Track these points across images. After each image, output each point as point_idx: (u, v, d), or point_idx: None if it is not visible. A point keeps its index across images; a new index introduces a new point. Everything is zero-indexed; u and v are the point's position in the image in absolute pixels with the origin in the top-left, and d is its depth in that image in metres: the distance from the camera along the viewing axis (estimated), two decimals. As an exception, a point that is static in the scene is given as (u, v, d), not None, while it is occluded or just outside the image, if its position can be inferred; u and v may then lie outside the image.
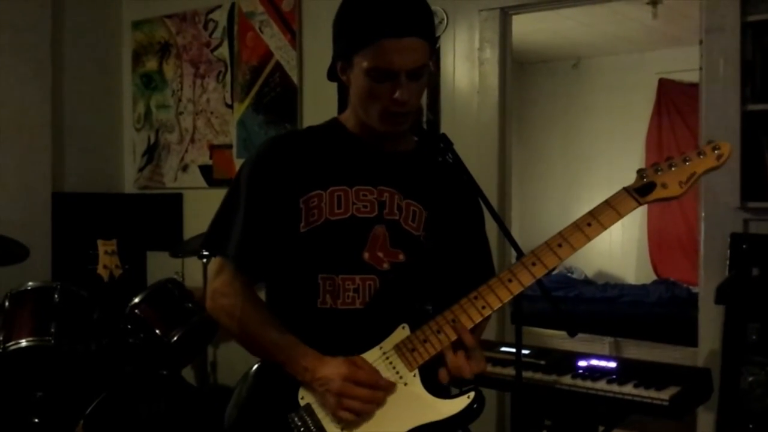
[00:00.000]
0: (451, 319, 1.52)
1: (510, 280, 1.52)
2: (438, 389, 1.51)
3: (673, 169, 1.53)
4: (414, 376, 1.51)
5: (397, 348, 1.53)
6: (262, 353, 1.62)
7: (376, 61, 1.52)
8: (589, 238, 1.51)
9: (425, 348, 1.51)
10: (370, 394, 1.49)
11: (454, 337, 1.50)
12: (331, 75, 1.69)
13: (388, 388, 1.50)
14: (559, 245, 1.52)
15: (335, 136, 1.70)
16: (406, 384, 1.51)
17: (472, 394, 1.51)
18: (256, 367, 1.65)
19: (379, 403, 1.49)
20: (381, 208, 1.63)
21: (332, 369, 1.50)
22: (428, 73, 1.60)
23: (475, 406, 1.51)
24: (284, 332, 1.59)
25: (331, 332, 1.57)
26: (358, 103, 1.62)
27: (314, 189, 1.62)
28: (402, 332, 1.54)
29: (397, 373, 1.51)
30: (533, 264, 1.52)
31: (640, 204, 1.52)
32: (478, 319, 1.52)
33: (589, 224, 1.52)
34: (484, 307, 1.51)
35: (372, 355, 1.53)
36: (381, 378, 1.51)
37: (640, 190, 1.53)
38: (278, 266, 1.65)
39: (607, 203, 1.52)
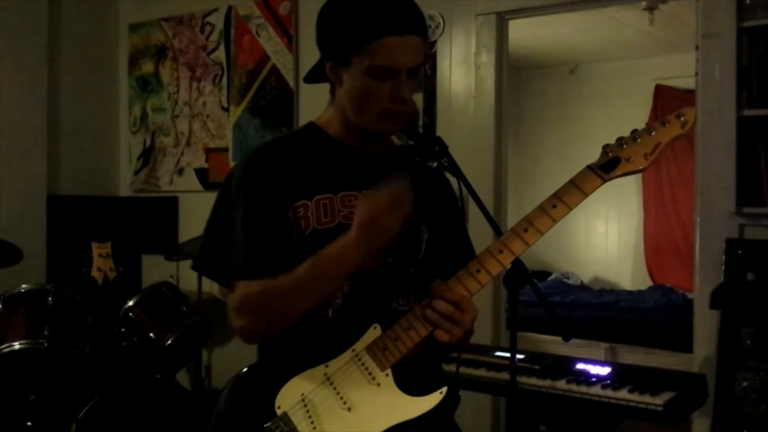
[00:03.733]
0: (420, 315, 1.50)
1: (478, 271, 1.50)
2: (412, 388, 1.50)
3: (638, 141, 1.51)
4: (387, 375, 1.50)
5: (369, 349, 1.51)
6: (312, 286, 1.52)
7: (379, 59, 1.51)
8: (554, 221, 1.48)
9: (396, 346, 1.50)
10: (386, 201, 1.46)
11: (424, 333, 1.49)
12: (312, 77, 1.68)
13: (399, 190, 1.47)
14: (525, 230, 1.49)
15: (315, 143, 1.68)
16: (379, 385, 1.50)
17: (444, 389, 1.49)
18: (234, 377, 1.62)
19: (400, 201, 1.47)
20: None
21: (353, 227, 1.48)
22: (424, 70, 1.59)
23: (447, 401, 1.49)
24: (307, 260, 1.53)
25: (321, 339, 1.56)
26: (352, 103, 1.60)
27: (300, 199, 1.60)
28: (374, 332, 1.53)
29: (370, 374, 1.50)
30: (500, 252, 1.49)
31: (605, 180, 1.50)
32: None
33: (554, 206, 1.49)
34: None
35: (344, 358, 1.52)
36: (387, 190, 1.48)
37: (605, 167, 1.50)
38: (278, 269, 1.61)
39: (572, 183, 1.50)
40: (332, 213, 1.61)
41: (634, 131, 1.52)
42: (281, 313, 1.55)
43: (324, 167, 1.65)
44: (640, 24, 5.69)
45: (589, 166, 1.51)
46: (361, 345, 1.52)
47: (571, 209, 1.49)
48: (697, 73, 3.20)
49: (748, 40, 3.07)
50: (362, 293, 1.58)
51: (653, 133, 1.51)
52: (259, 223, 1.60)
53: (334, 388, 1.51)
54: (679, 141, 1.53)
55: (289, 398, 1.52)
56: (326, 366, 1.53)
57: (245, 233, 1.60)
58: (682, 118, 1.50)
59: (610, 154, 1.51)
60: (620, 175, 1.51)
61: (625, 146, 1.51)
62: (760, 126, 3.07)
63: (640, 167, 1.50)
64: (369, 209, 1.47)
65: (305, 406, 1.51)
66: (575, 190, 1.49)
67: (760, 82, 3.06)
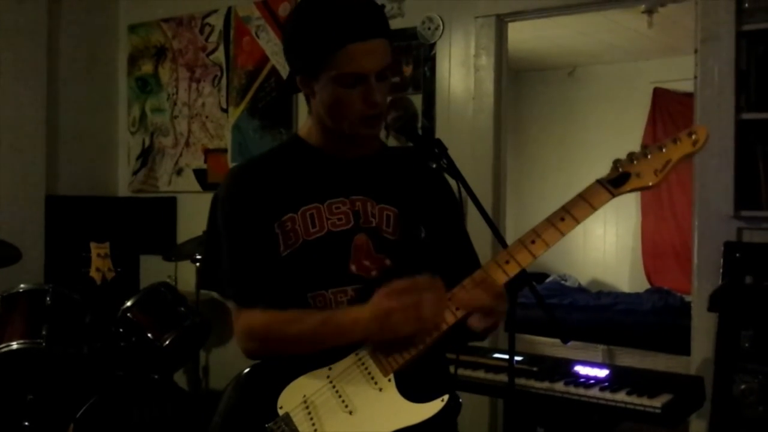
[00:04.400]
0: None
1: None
2: (414, 394, 1.50)
3: (648, 157, 1.49)
4: (389, 381, 1.50)
5: (373, 353, 1.52)
6: (315, 342, 1.55)
7: (345, 68, 1.51)
8: (562, 234, 1.47)
9: (400, 353, 1.50)
10: (411, 298, 1.46)
11: (428, 340, 1.49)
12: (287, 89, 1.68)
13: (424, 284, 1.47)
14: (533, 242, 1.48)
15: (298, 154, 1.68)
16: (381, 390, 1.50)
17: (446, 397, 1.49)
18: (238, 376, 1.63)
19: (425, 290, 1.46)
20: (356, 218, 1.63)
21: (375, 298, 1.48)
22: (392, 71, 1.60)
23: (448, 408, 1.50)
24: (319, 312, 1.57)
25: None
26: (327, 113, 1.60)
27: (286, 212, 1.61)
28: None
29: (372, 378, 1.51)
30: (506, 262, 1.49)
31: (614, 195, 1.48)
32: (452, 321, 1.49)
33: (562, 219, 1.48)
34: (458, 309, 1.49)
35: (347, 361, 1.53)
36: (424, 280, 1.48)
37: (614, 182, 1.49)
38: (268, 291, 1.63)
39: (581, 197, 1.49)
40: (320, 222, 1.61)
41: (645, 147, 1.51)
42: (285, 351, 1.58)
43: (307, 178, 1.65)
44: (638, 27, 5.70)
45: (598, 181, 1.50)
46: (364, 349, 1.53)
47: (579, 222, 1.48)
48: (696, 77, 3.21)
49: (747, 44, 3.07)
50: (368, 298, 1.58)
51: (664, 150, 1.49)
52: (245, 246, 1.62)
53: (336, 391, 1.52)
54: (689, 159, 1.52)
55: (291, 399, 1.53)
56: (329, 368, 1.54)
57: (233, 259, 1.62)
58: (693, 136, 1.50)
59: (620, 170, 1.50)
60: (629, 191, 1.49)
61: (635, 162, 1.49)
62: (758, 129, 3.07)
63: (650, 183, 1.49)
64: (388, 302, 1.46)
65: (307, 407, 1.52)
66: (584, 203, 1.48)
67: (759, 86, 3.06)
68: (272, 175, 1.65)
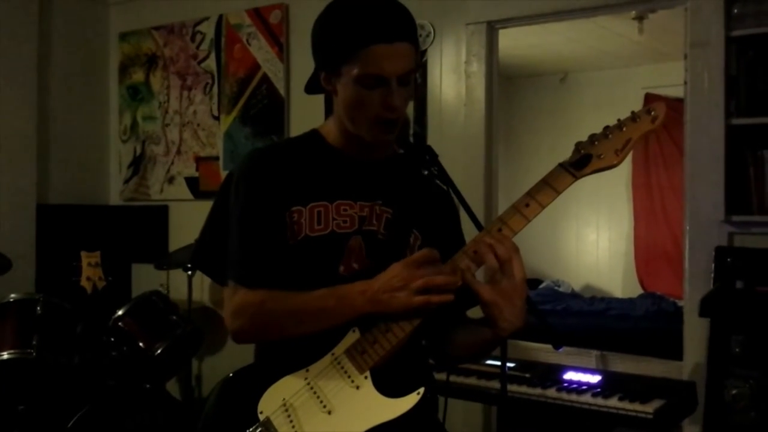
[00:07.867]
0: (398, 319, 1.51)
1: (453, 272, 1.50)
2: (391, 389, 1.51)
3: (609, 137, 1.51)
4: (365, 378, 1.51)
5: (348, 352, 1.52)
6: (314, 317, 1.55)
7: (367, 68, 1.51)
8: (528, 219, 1.50)
9: (374, 349, 1.51)
10: (434, 269, 1.48)
11: (401, 335, 1.50)
12: (310, 87, 1.68)
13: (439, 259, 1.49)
14: (499, 230, 1.50)
15: (315, 150, 1.69)
16: (358, 387, 1.51)
17: (421, 390, 1.51)
18: (220, 382, 1.63)
19: (445, 274, 1.47)
20: (361, 223, 1.63)
21: (388, 271, 1.49)
22: (414, 78, 1.60)
23: (425, 401, 1.51)
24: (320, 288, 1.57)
25: (304, 343, 1.56)
26: (346, 112, 1.60)
27: (295, 205, 1.61)
28: (352, 336, 1.53)
29: (349, 377, 1.51)
30: (474, 252, 1.50)
31: (577, 178, 1.50)
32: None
33: (527, 205, 1.50)
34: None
35: (324, 362, 1.54)
36: (433, 251, 1.49)
37: (576, 164, 1.51)
38: (271, 277, 1.62)
39: (544, 181, 1.51)
40: (326, 221, 1.61)
41: (606, 127, 1.53)
42: (280, 329, 1.58)
43: (321, 175, 1.66)
44: (629, 33, 5.72)
45: (561, 164, 1.53)
46: (340, 349, 1.54)
47: (544, 208, 1.50)
48: (685, 82, 3.22)
49: (736, 49, 3.09)
50: None
51: (624, 129, 1.52)
52: (257, 228, 1.61)
53: (315, 392, 1.52)
54: (650, 135, 1.54)
55: (271, 403, 1.53)
56: (307, 370, 1.54)
57: (243, 239, 1.61)
58: (652, 113, 1.52)
59: (582, 152, 1.52)
60: (592, 172, 1.52)
61: (596, 143, 1.52)
62: (748, 135, 3.09)
63: (613, 163, 1.51)
64: (393, 278, 1.48)
65: (286, 410, 1.52)
66: (548, 188, 1.51)
67: (749, 91, 3.07)
68: (287, 165, 1.65)
